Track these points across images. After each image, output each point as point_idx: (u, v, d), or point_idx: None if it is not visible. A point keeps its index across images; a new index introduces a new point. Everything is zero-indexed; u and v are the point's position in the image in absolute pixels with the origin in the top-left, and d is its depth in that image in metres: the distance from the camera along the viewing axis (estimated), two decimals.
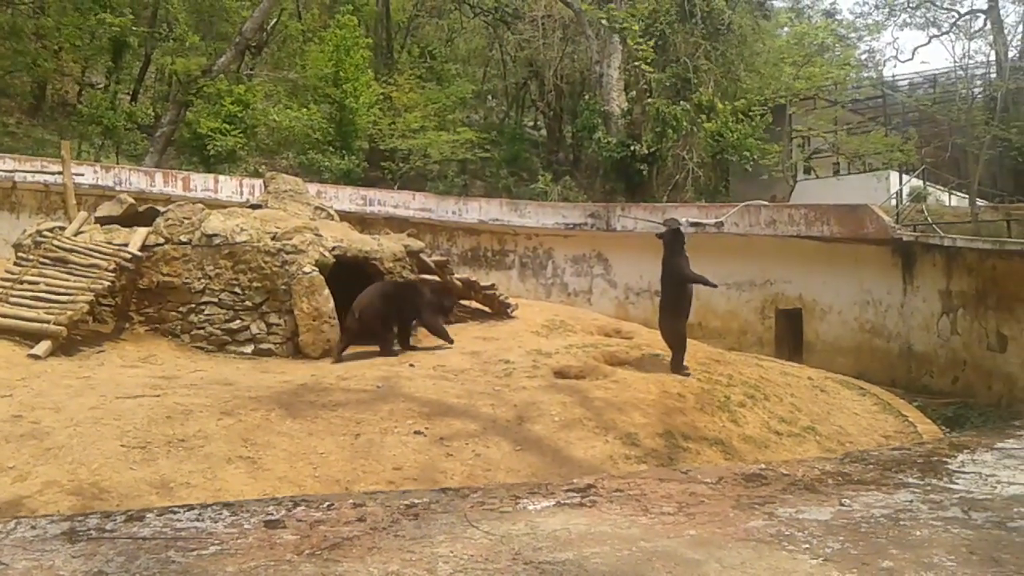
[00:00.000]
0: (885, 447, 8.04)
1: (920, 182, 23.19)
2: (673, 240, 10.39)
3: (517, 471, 7.13)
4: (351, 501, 3.30)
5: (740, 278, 19.09)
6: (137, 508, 4.09)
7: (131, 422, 6.95)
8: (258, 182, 20.63)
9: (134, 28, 25.93)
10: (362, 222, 18.50)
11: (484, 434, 7.68)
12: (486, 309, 13.00)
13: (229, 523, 3.09)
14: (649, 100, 24.75)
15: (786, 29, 33.42)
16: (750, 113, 24.00)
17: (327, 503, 3.27)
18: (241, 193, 20.19)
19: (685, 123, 23.60)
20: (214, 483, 6.27)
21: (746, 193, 23.10)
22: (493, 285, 13.29)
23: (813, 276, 18.14)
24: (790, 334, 18.54)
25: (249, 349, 9.89)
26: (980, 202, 19.97)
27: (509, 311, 12.88)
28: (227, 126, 24.63)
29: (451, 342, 10.66)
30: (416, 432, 7.52)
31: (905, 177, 23.37)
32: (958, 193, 25.22)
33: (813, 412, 10.58)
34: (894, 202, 19.50)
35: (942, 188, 25.14)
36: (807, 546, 2.92)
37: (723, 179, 26.18)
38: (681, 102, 24.22)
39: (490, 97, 37.41)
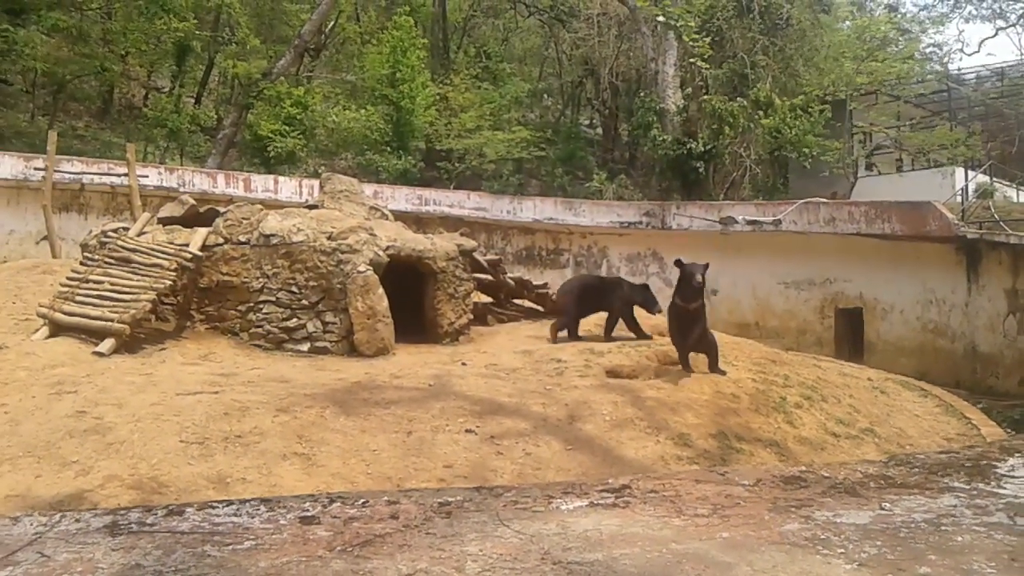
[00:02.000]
0: (932, 450, 7.85)
1: (986, 178, 22.56)
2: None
3: (567, 470, 7.13)
4: (385, 498, 3.34)
5: (799, 277, 18.83)
6: (198, 501, 4.18)
7: (190, 418, 7.11)
8: (317, 183, 20.96)
9: (197, 32, 26.53)
10: (418, 222, 18.67)
11: (535, 433, 7.69)
12: (539, 308, 13.03)
13: (265, 518, 3.16)
14: (705, 97, 24.49)
15: (847, 23, 32.78)
16: (809, 109, 23.59)
17: (362, 500, 3.31)
18: (300, 194, 20.53)
19: (742, 120, 23.28)
20: (269, 479, 6.38)
21: (805, 190, 22.73)
22: (546, 284, 13.32)
23: (874, 275, 17.79)
24: (850, 334, 18.21)
25: (305, 347, 10.03)
26: None
27: None
28: (287, 128, 25.05)
29: (647, 337, 10.98)
30: (467, 430, 7.55)
31: (971, 173, 22.74)
32: None
33: (872, 414, 10.35)
34: (959, 199, 19.01)
35: (1009, 184, 24.41)
36: (842, 551, 2.87)
37: (781, 176, 25.78)
38: (738, 98, 23.90)
39: (545, 96, 37.37)
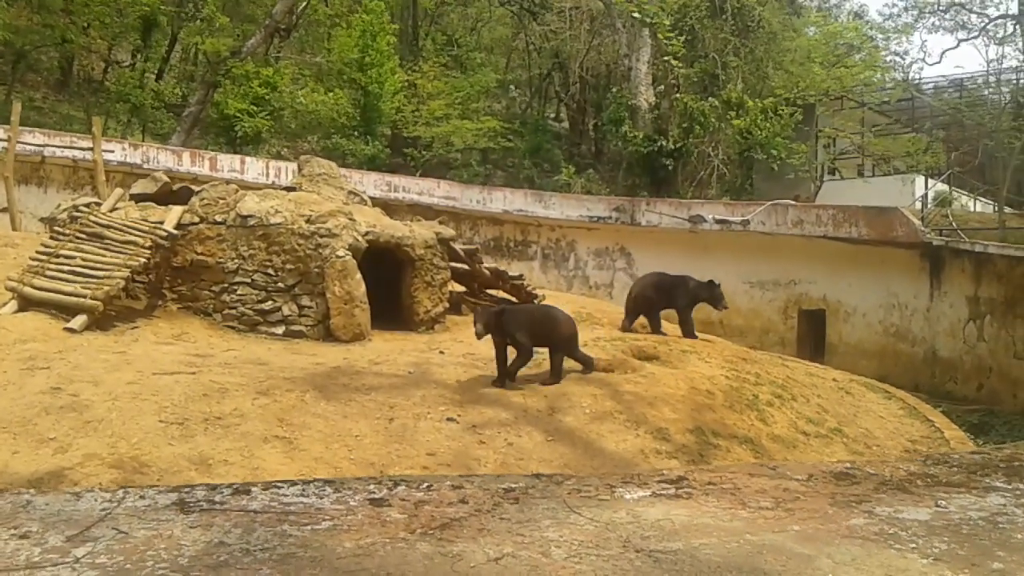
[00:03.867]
0: (965, 451, 7.96)
1: (945, 186, 23.04)
2: None
3: (549, 461, 7.12)
4: (449, 483, 3.32)
5: (764, 277, 19.07)
6: (261, 481, 4.11)
7: (168, 398, 6.97)
8: (284, 164, 20.72)
9: (162, 7, 26.00)
10: (386, 208, 18.43)
11: (516, 423, 7.67)
12: (513, 299, 12.99)
13: (335, 500, 3.12)
14: (677, 95, 24.67)
15: (813, 28, 33.19)
16: (779, 111, 23.88)
17: (426, 484, 3.28)
18: (267, 175, 20.28)
19: (713, 119, 23.51)
20: (251, 461, 6.28)
21: (770, 192, 23.03)
22: (521, 275, 13.30)
23: (838, 277, 18.09)
24: (812, 335, 18.50)
25: (280, 330, 9.88)
26: (1006, 209, 19.84)
27: (535, 302, 12.87)
28: (254, 108, 24.69)
29: (694, 337, 11.13)
30: (449, 419, 7.51)
31: (931, 181, 23.22)
32: (983, 199, 25.06)
33: (839, 414, 10.51)
34: (919, 205, 19.39)
35: (967, 193, 24.98)
36: (914, 545, 2.92)
37: (748, 177, 26.08)
38: (709, 98, 24.11)
39: (513, 87, 37.30)
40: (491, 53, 37.43)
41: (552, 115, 38.62)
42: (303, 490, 3.23)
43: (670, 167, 23.94)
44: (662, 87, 25.71)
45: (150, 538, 2.81)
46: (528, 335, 8.59)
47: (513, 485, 3.27)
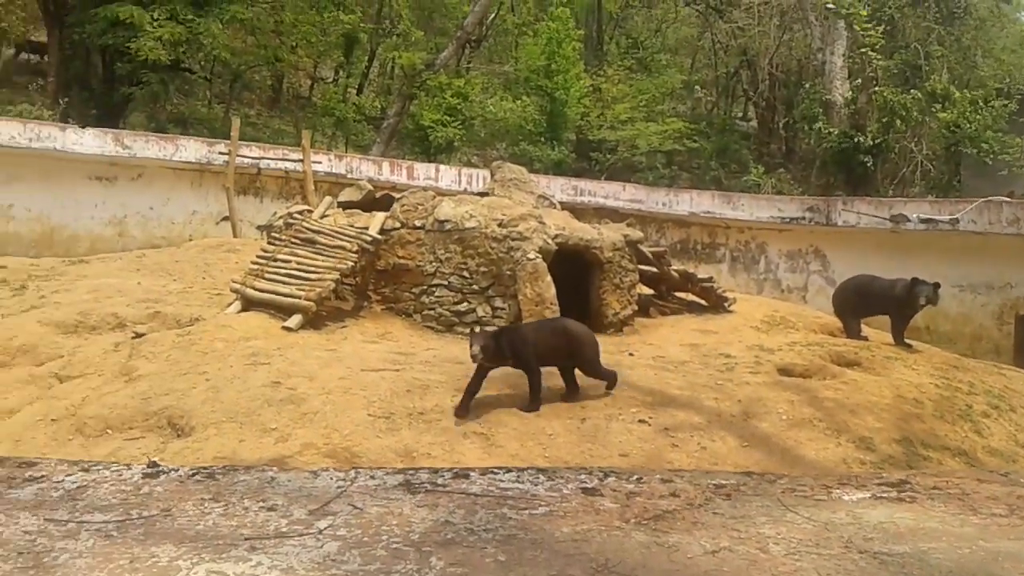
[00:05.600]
0: None
1: None
2: None
3: (745, 467, 6.98)
4: (659, 476, 3.38)
5: (975, 280, 17.78)
6: (478, 467, 4.35)
7: (375, 393, 7.39)
8: (475, 171, 21.39)
9: (362, 25, 27.45)
10: (573, 211, 18.56)
11: (709, 427, 7.57)
12: (702, 302, 12.81)
13: (548, 487, 3.26)
14: (876, 88, 23.44)
15: None
16: (990, 103, 22.20)
17: (636, 476, 3.36)
18: (459, 182, 20.98)
19: (916, 113, 22.16)
20: (452, 455, 6.55)
21: (981, 189, 21.41)
22: (711, 278, 13.06)
23: None
24: None
25: None
26: None
27: (726, 305, 12.62)
28: (447, 118, 25.61)
29: (903, 345, 10.74)
30: (640, 420, 7.51)
31: None
32: None
33: None
34: None
35: None
36: None
37: (955, 173, 24.40)
38: (911, 90, 22.76)
39: (698, 87, 36.66)
40: (676, 54, 36.98)
41: (739, 114, 37.67)
42: (518, 477, 3.38)
43: (868, 164, 22.74)
44: (859, 80, 24.46)
45: (382, 514, 3.04)
46: (538, 354, 7.86)
47: (724, 481, 3.27)
